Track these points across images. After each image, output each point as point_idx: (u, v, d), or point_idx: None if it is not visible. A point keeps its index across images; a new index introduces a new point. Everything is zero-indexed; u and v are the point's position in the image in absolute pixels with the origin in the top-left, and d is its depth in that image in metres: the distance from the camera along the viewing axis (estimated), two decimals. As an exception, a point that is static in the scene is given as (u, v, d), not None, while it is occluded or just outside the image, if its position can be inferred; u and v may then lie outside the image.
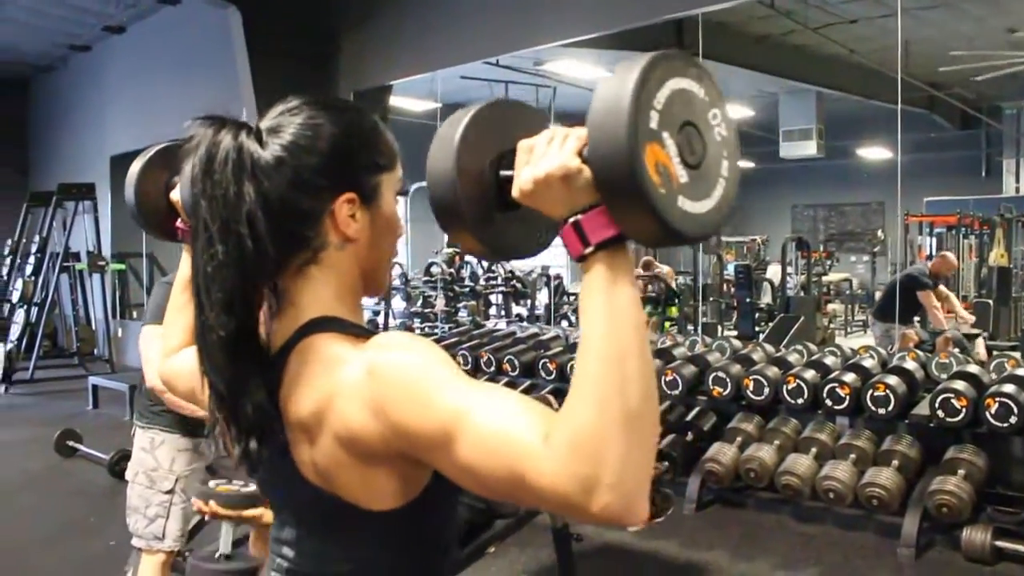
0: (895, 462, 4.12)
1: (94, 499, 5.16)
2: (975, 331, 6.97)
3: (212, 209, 0.93)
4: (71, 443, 6.05)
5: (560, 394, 5.33)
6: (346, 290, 1.02)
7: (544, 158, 0.85)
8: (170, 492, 2.68)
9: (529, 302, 13.03)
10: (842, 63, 11.16)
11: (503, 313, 12.99)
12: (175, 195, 1.67)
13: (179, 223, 1.69)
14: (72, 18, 9.55)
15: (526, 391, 5.46)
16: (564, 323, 11.68)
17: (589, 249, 0.83)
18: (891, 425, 4.33)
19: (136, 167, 1.74)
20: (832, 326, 10.90)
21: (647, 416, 0.79)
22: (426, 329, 10.38)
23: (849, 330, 12.01)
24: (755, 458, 4.43)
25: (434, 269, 12.00)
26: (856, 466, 4.21)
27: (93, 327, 10.83)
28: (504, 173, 0.94)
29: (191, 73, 8.50)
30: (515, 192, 0.89)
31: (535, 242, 1.03)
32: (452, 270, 11.93)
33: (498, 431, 0.81)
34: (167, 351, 1.39)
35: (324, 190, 0.98)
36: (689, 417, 4.97)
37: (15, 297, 10.12)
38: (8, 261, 10.48)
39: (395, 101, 11.23)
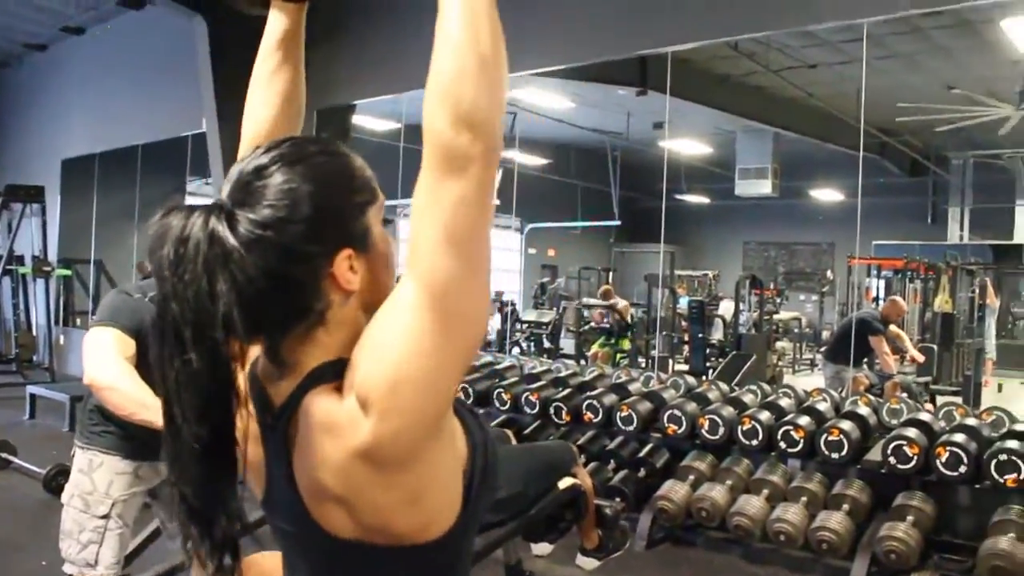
0: (846, 506, 4.15)
1: (28, 515, 4.98)
2: (922, 380, 7.12)
3: (184, 312, 0.85)
4: (4, 455, 5.84)
5: (513, 424, 5.31)
6: (351, 335, 0.95)
7: None
8: (105, 517, 2.58)
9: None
10: (800, 106, 11.41)
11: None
12: None
13: None
14: (29, 16, 9.34)
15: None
16: (516, 350, 11.67)
17: None
18: (842, 469, 4.37)
19: None
20: (780, 364, 11.05)
21: (499, 59, 0.86)
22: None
23: (797, 368, 12.19)
24: (707, 497, 4.43)
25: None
26: (807, 509, 4.24)
27: (34, 333, 10.51)
28: None
29: (152, 79, 8.35)
30: None
31: None
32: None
33: (419, 223, 0.85)
34: (249, 135, 1.24)
35: (318, 256, 0.92)
36: (642, 453, 4.96)
37: (-47, 299, 9.81)
38: (-50, 261, 10.14)
39: (357, 120, 11.19)
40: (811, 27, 6.92)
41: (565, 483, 3.24)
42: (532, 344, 11.87)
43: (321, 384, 0.91)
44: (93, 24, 9.41)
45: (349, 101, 7.29)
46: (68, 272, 10.37)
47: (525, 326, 11.96)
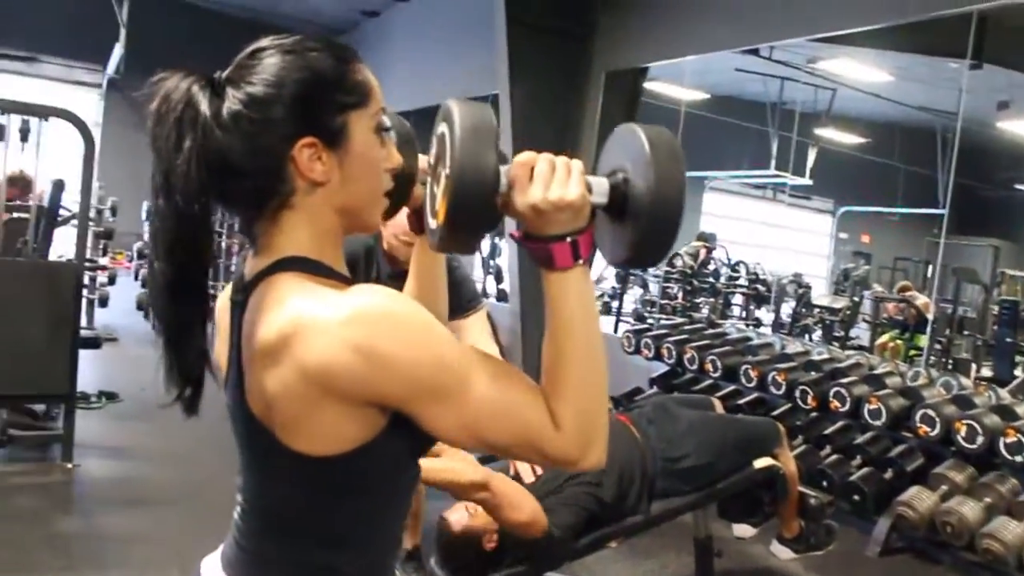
0: None
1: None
2: None
3: (158, 160, 0.95)
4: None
5: (762, 405, 5.05)
6: (321, 232, 1.01)
7: (558, 185, 0.96)
8: None
9: (774, 308, 12.48)
10: None
11: (744, 315, 12.53)
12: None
13: None
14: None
15: (724, 398, 5.19)
16: (806, 336, 11.04)
17: (580, 262, 0.99)
18: None
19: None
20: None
21: (606, 384, 1.01)
22: (661, 320, 10.23)
23: None
24: (955, 512, 3.95)
25: (677, 261, 11.78)
26: (1079, 545, 3.65)
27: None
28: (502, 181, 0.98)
29: (459, 42, 8.90)
30: (521, 206, 0.97)
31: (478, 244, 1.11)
32: (694, 264, 11.66)
33: (512, 403, 0.95)
34: None
35: (281, 139, 0.97)
36: (893, 453, 4.54)
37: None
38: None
39: (662, 88, 11.13)
40: None
41: (762, 463, 3.07)
42: (823, 331, 11.17)
43: (294, 271, 0.98)
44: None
45: (638, 64, 7.22)
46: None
47: (816, 311, 11.27)
